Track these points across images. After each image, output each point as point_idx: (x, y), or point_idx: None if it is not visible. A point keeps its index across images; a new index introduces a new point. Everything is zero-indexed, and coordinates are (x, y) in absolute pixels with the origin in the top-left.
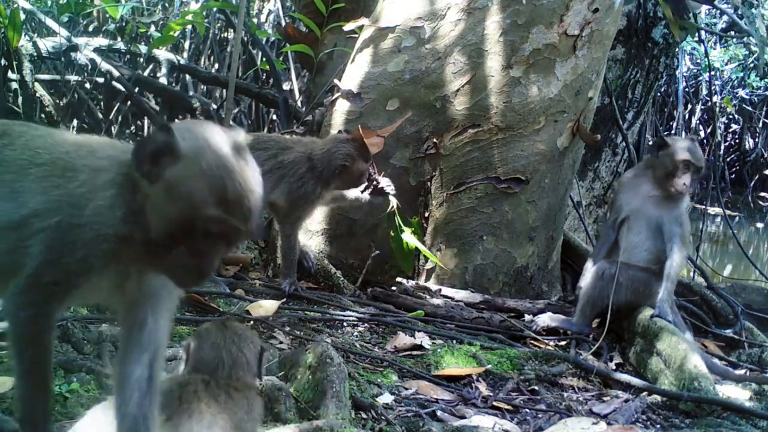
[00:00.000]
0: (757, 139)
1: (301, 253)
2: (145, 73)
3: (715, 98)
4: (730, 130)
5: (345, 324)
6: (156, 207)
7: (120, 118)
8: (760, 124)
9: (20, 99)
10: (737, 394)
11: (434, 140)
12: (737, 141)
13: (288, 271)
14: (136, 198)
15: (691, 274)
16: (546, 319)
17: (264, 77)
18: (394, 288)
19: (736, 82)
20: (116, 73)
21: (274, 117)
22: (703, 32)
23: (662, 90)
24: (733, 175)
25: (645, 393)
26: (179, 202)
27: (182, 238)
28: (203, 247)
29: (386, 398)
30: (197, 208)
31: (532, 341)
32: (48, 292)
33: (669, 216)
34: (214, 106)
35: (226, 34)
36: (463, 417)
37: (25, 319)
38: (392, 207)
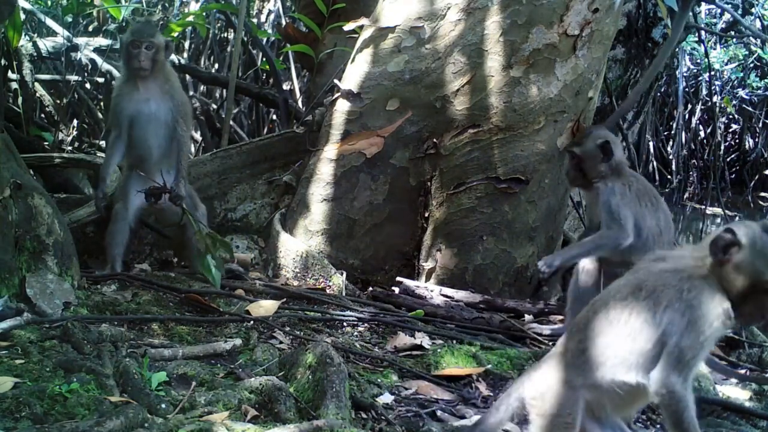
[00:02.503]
0: (757, 139)
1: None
2: None
3: (715, 98)
4: (730, 130)
5: (345, 324)
6: (729, 280)
7: None
8: (760, 124)
9: (20, 99)
10: (737, 394)
11: (434, 140)
12: (737, 141)
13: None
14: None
15: None
16: (546, 330)
17: (264, 77)
18: (394, 288)
19: (736, 82)
20: (116, 73)
21: (274, 117)
22: (703, 32)
23: (662, 90)
24: (733, 175)
25: None
26: (746, 275)
27: (751, 297)
28: (765, 301)
29: (386, 398)
30: (759, 277)
31: (532, 341)
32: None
33: (599, 209)
34: (214, 106)
35: (226, 35)
36: (463, 417)
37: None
38: (185, 217)
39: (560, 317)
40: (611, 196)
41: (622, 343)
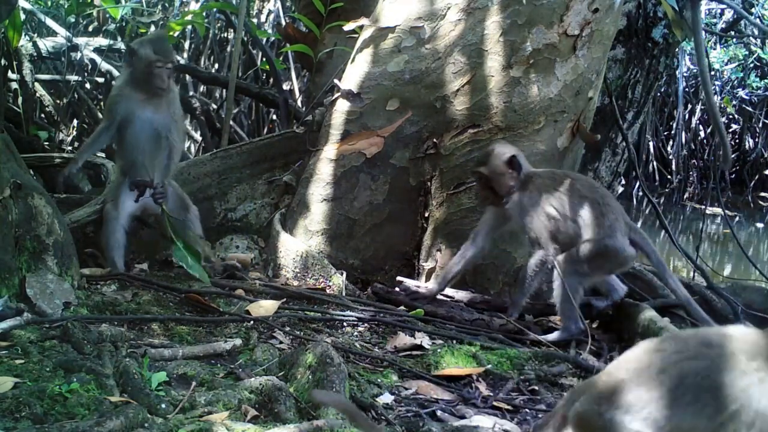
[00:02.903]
0: (757, 139)
1: None
2: None
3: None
4: (730, 130)
5: (345, 324)
6: None
7: None
8: (760, 124)
9: (20, 99)
10: None
11: (434, 140)
12: (737, 141)
13: None
14: None
15: (691, 274)
16: (549, 338)
17: (264, 77)
18: (395, 288)
19: (736, 82)
20: (116, 73)
21: (274, 117)
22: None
23: (662, 90)
24: (733, 175)
25: None
26: None
27: None
28: None
29: (386, 398)
30: None
31: (532, 342)
32: None
33: (520, 230)
34: (214, 106)
35: (226, 34)
36: (463, 417)
37: None
38: (165, 216)
39: (559, 318)
40: (525, 219)
41: (661, 410)
